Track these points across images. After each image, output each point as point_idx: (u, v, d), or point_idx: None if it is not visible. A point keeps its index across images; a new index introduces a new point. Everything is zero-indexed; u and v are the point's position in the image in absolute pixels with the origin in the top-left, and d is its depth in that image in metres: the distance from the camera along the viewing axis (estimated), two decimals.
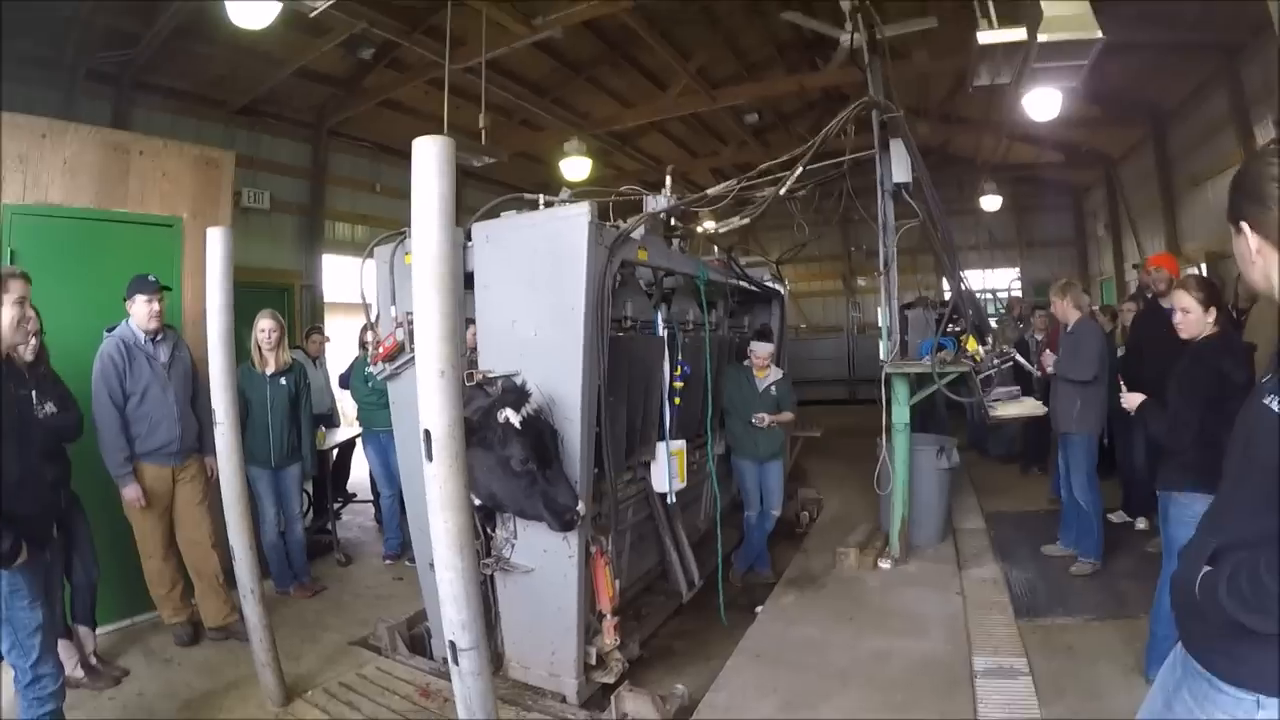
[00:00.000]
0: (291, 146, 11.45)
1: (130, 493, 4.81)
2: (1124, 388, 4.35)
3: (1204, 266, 9.47)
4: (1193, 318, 3.97)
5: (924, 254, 13.54)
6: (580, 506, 3.70)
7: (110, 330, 4.87)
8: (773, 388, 6.14)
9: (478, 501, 3.94)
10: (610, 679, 4.29)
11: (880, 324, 6.25)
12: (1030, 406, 6.02)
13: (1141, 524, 6.63)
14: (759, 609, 5.49)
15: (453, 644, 2.64)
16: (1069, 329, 5.94)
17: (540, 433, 3.68)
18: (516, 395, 3.67)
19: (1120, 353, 6.83)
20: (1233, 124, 8.93)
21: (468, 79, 9.17)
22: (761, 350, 6.08)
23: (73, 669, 4.36)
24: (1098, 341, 5.84)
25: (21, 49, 7.35)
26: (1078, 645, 4.60)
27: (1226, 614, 1.57)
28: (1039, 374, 6.49)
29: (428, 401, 2.52)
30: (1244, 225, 1.68)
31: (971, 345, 5.86)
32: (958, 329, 6.14)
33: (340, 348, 8.64)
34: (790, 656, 4.65)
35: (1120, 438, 6.72)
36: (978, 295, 8.97)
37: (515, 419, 3.58)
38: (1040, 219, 18.04)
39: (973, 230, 16.39)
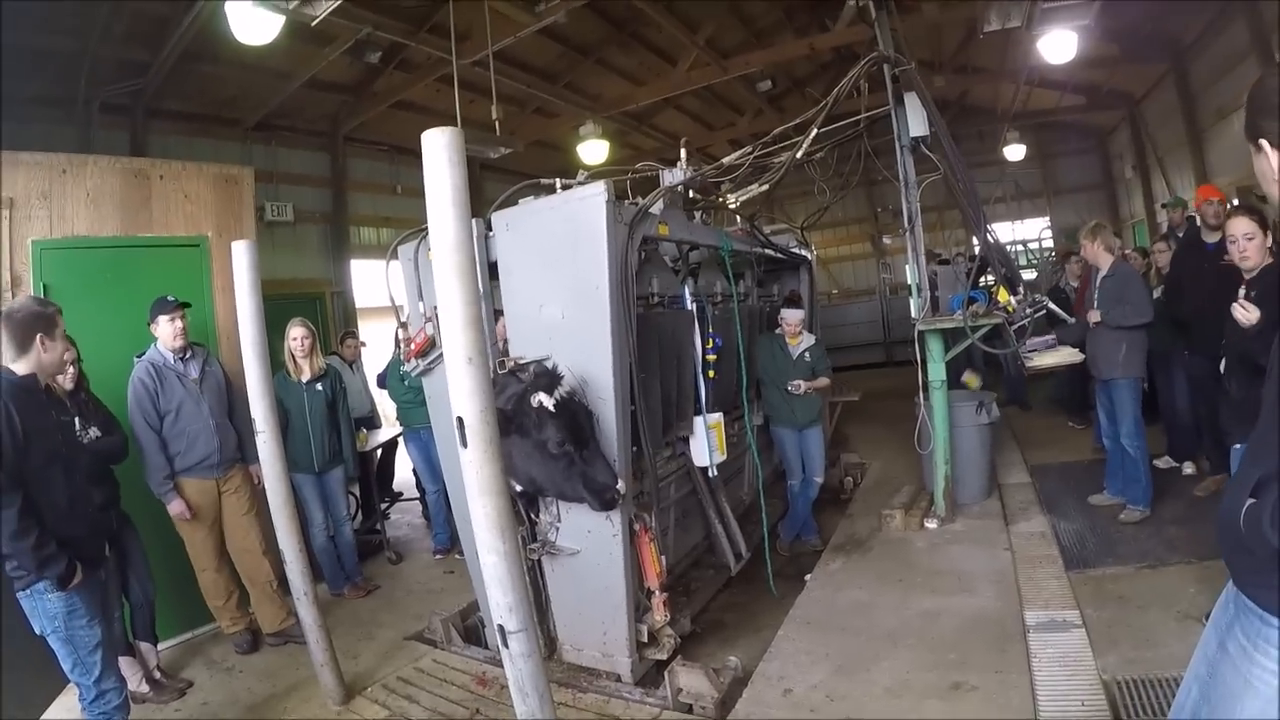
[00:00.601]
0: (309, 157, 11.54)
1: (175, 508, 4.91)
2: (1242, 295, 3.83)
3: (1235, 202, 9.27)
4: (1256, 242, 3.89)
5: (951, 210, 13.40)
6: (620, 485, 3.71)
7: (139, 356, 4.96)
8: (806, 354, 6.09)
9: (519, 488, 3.97)
10: (663, 655, 4.32)
11: (909, 282, 6.18)
12: (1067, 355, 5.92)
13: (1189, 468, 6.50)
14: (808, 577, 5.48)
15: (501, 627, 2.65)
16: (1105, 273, 5.76)
17: (574, 414, 3.69)
18: (549, 379, 3.69)
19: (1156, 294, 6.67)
20: (1254, 52, 8.71)
21: (477, 72, 9.15)
22: (792, 317, 6.04)
23: (137, 685, 4.48)
24: (1141, 280, 5.71)
25: (34, 90, 7.47)
26: (1129, 594, 4.52)
27: (1273, 546, 1.48)
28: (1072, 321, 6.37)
29: (458, 389, 2.53)
30: (1263, 143, 1.59)
31: (1003, 296, 5.77)
32: (989, 281, 6.05)
33: (376, 350, 8.71)
34: (841, 622, 4.64)
35: (1160, 380, 6.55)
36: (1007, 247, 8.79)
37: (549, 402, 3.60)
38: (1066, 165, 17.70)
39: (998, 181, 16.13)
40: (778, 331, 6.17)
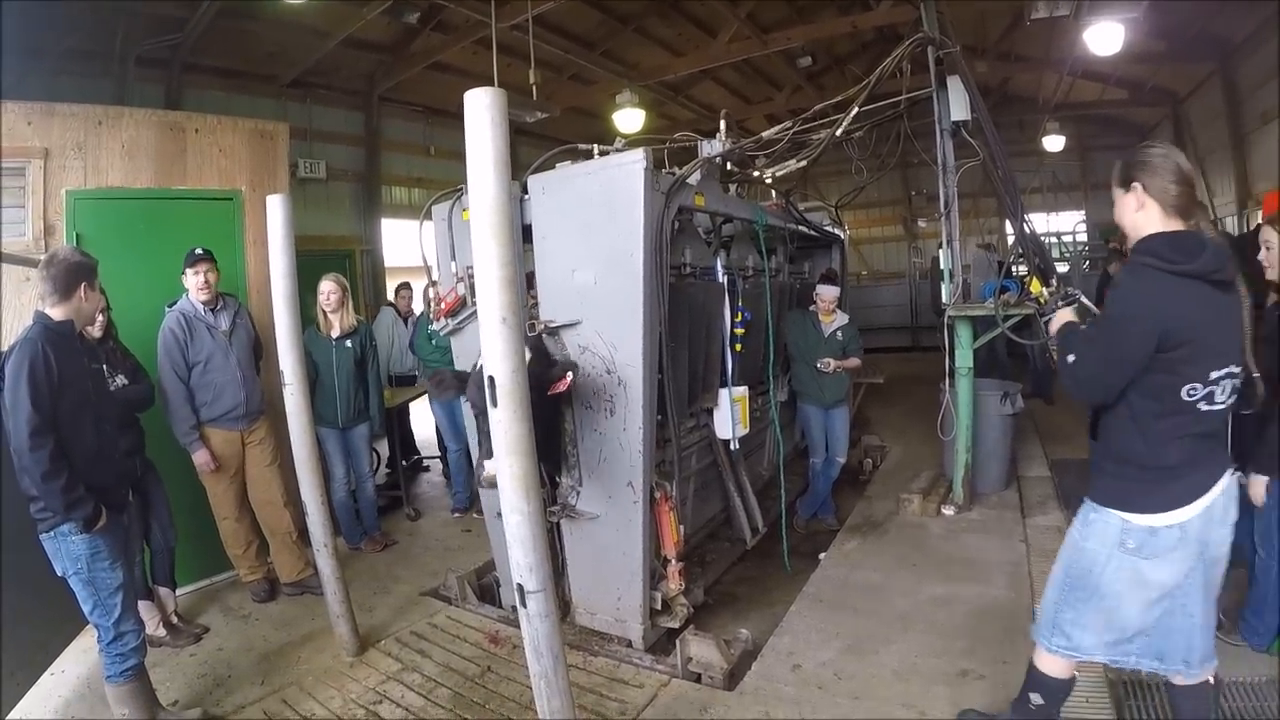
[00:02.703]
0: (344, 116, 11.60)
1: (200, 458, 4.98)
2: None
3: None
4: (1274, 254, 3.83)
5: (986, 197, 13.26)
6: (487, 465, 3.48)
7: (171, 305, 5.01)
8: (839, 333, 6.06)
9: None
10: (675, 624, 4.35)
11: (942, 266, 6.10)
12: None
13: None
14: (822, 555, 5.49)
15: (520, 586, 2.68)
16: None
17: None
18: None
19: None
20: None
21: (515, 36, 9.14)
22: (827, 293, 6.00)
23: (155, 628, 4.56)
24: None
25: (71, 42, 7.52)
26: None
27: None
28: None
29: (490, 348, 2.55)
30: (1136, 186, 2.54)
31: (1035, 287, 5.67)
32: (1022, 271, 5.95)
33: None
34: (853, 602, 4.66)
35: None
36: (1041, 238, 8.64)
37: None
38: (1105, 160, 17.31)
39: (1035, 173, 15.91)
40: (811, 308, 6.14)
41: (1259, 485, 3.52)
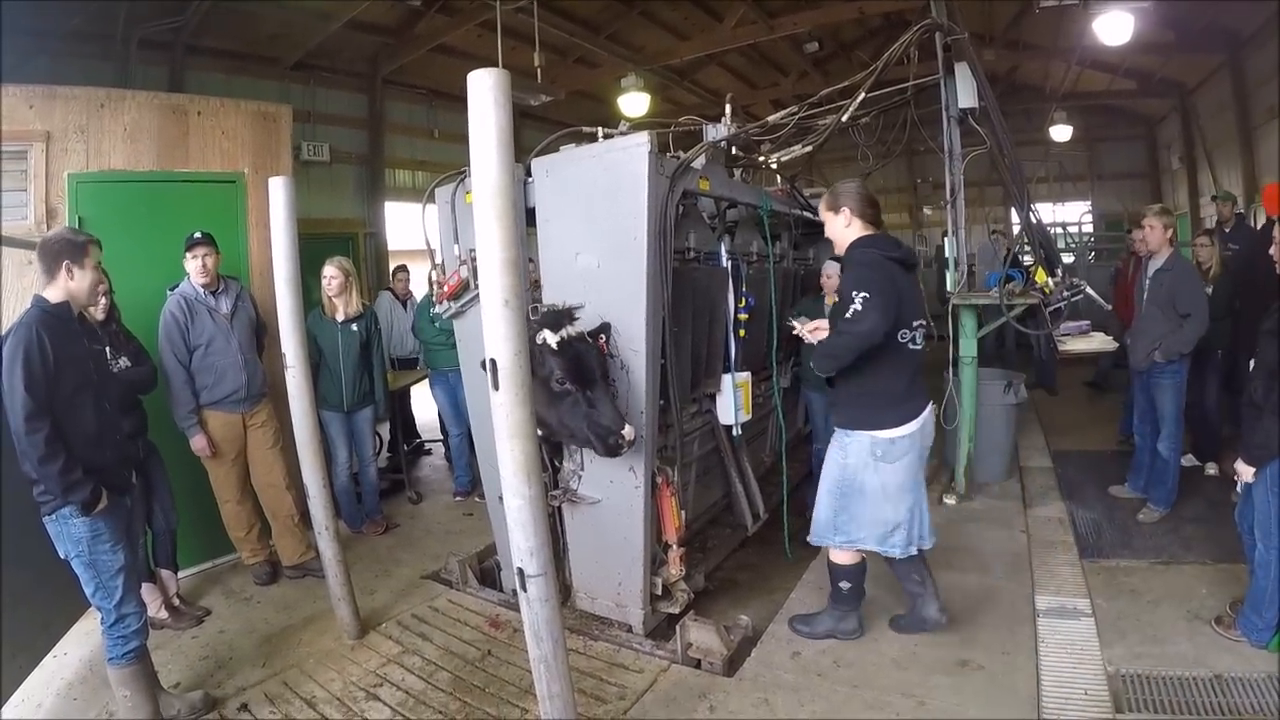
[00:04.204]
0: (347, 98, 11.55)
1: (197, 443, 4.98)
2: None
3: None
4: None
5: (992, 186, 13.24)
6: (627, 430, 3.66)
7: (173, 289, 5.01)
8: None
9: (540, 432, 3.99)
10: (675, 609, 4.34)
11: (947, 254, 6.06)
12: (1100, 342, 5.79)
13: (1211, 469, 6.29)
14: None
15: (521, 571, 2.68)
16: (1162, 265, 5.41)
17: (579, 354, 3.69)
18: (554, 318, 3.72)
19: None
20: None
21: (520, 19, 9.10)
22: (832, 268, 5.87)
23: (156, 611, 4.57)
24: (1199, 279, 5.44)
25: (73, 25, 7.48)
26: (1141, 588, 4.48)
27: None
28: (1109, 308, 6.21)
29: (493, 331, 2.54)
30: (845, 210, 3.74)
31: (1041, 277, 5.64)
32: (1027, 261, 5.91)
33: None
34: None
35: (1192, 378, 5.91)
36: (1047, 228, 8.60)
37: (552, 339, 3.64)
38: (1112, 150, 17.38)
39: (1042, 162, 15.85)
40: (822, 294, 6.09)
41: (1246, 474, 3.69)
